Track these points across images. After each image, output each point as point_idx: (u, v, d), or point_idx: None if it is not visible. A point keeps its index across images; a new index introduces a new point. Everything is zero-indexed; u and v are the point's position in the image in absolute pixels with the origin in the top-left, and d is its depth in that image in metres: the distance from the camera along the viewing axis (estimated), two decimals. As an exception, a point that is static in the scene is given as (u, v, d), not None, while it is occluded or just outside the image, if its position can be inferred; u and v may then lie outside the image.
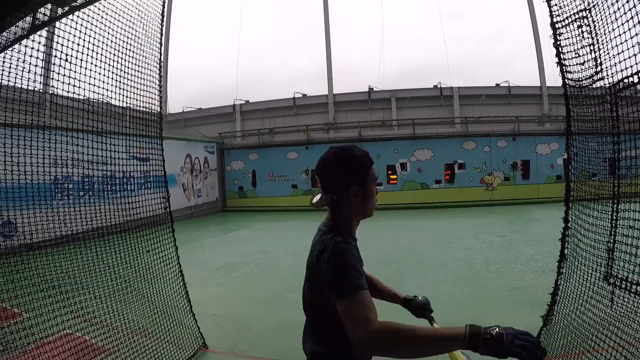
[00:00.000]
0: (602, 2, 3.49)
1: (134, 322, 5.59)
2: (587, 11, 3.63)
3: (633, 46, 3.17)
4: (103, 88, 4.92)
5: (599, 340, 4.01)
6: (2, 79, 4.49)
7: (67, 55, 4.53)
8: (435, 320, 2.44)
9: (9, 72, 4.48)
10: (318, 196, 2.21)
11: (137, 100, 5.34)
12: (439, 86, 25.40)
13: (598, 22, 3.54)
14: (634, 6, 3.11)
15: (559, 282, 4.72)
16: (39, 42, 4.53)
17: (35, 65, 4.51)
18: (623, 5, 3.23)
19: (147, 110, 5.54)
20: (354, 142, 22.11)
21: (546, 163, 22.59)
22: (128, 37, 5.11)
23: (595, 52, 3.62)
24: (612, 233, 3.79)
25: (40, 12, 4.31)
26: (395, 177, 23.50)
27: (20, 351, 4.79)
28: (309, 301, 2.13)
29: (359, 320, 1.64)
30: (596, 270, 4.05)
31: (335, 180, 2.07)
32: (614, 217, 3.81)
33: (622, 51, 3.27)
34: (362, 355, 2.03)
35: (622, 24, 3.24)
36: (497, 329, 1.51)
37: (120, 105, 5.16)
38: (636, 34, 3.13)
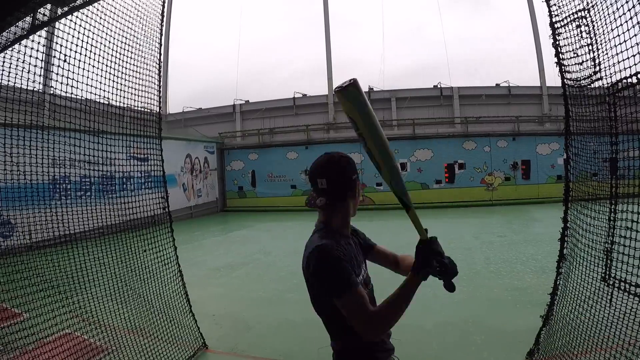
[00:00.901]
0: (600, 2, 3.49)
1: (133, 322, 5.60)
2: (586, 11, 3.63)
3: (632, 47, 3.17)
4: (102, 89, 4.92)
5: (598, 340, 4.02)
6: (1, 79, 4.49)
7: (65, 55, 4.52)
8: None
9: (9, 72, 4.49)
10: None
11: (136, 100, 5.34)
12: (439, 86, 25.36)
13: (597, 22, 3.54)
14: (633, 6, 3.11)
15: (557, 282, 4.72)
16: (39, 42, 4.54)
17: (35, 66, 4.51)
18: (622, 5, 3.24)
19: (147, 110, 5.55)
20: (353, 142, 22.28)
21: (546, 163, 22.53)
22: (127, 38, 5.11)
23: (593, 52, 3.63)
24: (610, 234, 3.79)
25: (40, 12, 4.32)
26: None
27: (21, 351, 4.80)
28: (311, 299, 2.22)
29: (358, 318, 1.93)
30: (594, 271, 4.05)
31: (335, 185, 2.21)
32: (612, 218, 3.81)
33: (621, 51, 3.28)
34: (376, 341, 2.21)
35: (621, 25, 3.25)
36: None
37: (120, 105, 5.16)
38: (635, 35, 3.13)
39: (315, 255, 2.04)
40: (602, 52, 3.53)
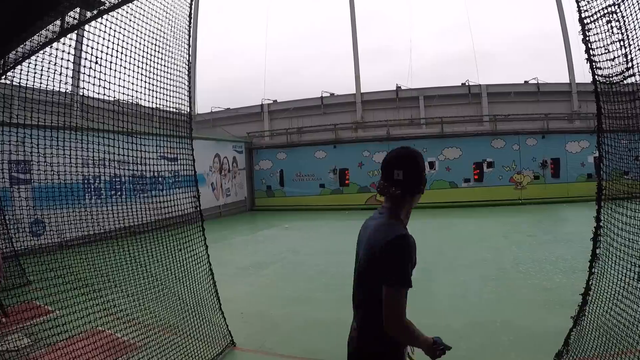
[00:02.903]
0: (631, -3, 3.42)
1: (164, 319, 5.68)
2: (616, 6, 3.56)
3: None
4: (133, 90, 4.99)
5: (635, 342, 3.94)
6: (33, 82, 4.60)
7: (97, 57, 4.60)
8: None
9: (41, 75, 4.59)
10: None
11: (167, 101, 5.41)
12: (467, 84, 25.09)
13: (627, 17, 3.47)
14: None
15: (590, 283, 4.64)
16: (70, 45, 4.62)
17: (67, 68, 4.60)
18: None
19: (177, 111, 5.62)
20: (382, 141, 22.15)
21: (576, 161, 22.04)
22: (156, 39, 5.17)
23: (625, 47, 3.55)
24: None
25: (69, 16, 4.39)
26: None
27: (54, 347, 4.91)
28: (365, 282, 2.39)
29: (396, 313, 2.17)
30: (631, 270, 3.97)
31: (411, 178, 2.36)
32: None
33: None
34: None
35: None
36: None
37: (150, 106, 5.23)
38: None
39: (401, 243, 2.19)
40: (635, 47, 3.46)
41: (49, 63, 4.69)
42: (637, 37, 3.41)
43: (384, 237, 2.23)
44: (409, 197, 2.39)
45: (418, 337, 2.28)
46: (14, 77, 5.17)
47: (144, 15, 4.95)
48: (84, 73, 4.66)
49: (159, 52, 5.25)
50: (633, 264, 3.92)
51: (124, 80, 4.87)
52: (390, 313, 2.16)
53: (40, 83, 4.76)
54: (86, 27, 4.64)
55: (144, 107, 5.25)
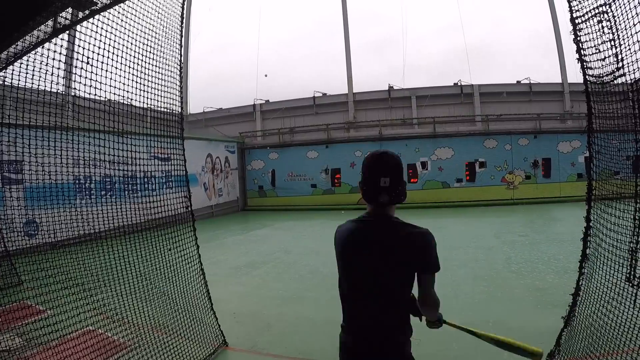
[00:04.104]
0: (622, -3, 3.44)
1: (155, 319, 5.66)
2: (607, 6, 3.58)
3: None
4: (125, 90, 4.98)
5: (622, 342, 3.96)
6: (25, 82, 4.58)
7: (88, 57, 4.59)
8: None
9: (32, 75, 4.57)
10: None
11: (158, 101, 5.40)
12: (459, 84, 25.18)
13: (618, 17, 3.49)
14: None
15: (580, 283, 4.66)
16: (61, 46, 4.61)
17: (58, 68, 4.58)
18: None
19: (168, 110, 5.60)
20: (374, 141, 22.20)
21: (567, 161, 22.19)
22: (148, 39, 5.16)
23: (616, 47, 3.57)
24: (635, 233, 3.73)
25: (61, 16, 4.38)
26: (415, 177, 23.34)
27: (45, 347, 4.89)
28: (388, 280, 2.46)
29: (434, 298, 2.49)
30: (618, 271, 3.99)
31: (397, 185, 2.42)
32: (637, 217, 3.75)
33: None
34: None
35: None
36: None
37: (142, 106, 5.22)
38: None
39: (430, 237, 2.42)
40: (625, 47, 3.48)
41: (41, 63, 4.68)
42: (627, 37, 3.42)
43: (411, 232, 2.42)
44: (395, 204, 2.50)
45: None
46: (5, 77, 5.15)
47: (135, 15, 4.93)
48: (75, 73, 4.64)
49: (150, 52, 5.23)
50: (621, 264, 3.94)
51: (115, 81, 4.86)
52: (431, 296, 2.46)
53: (32, 83, 4.74)
54: (78, 27, 4.63)
55: (136, 107, 5.23)
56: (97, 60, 4.68)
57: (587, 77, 4.12)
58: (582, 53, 4.03)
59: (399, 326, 2.49)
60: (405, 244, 2.39)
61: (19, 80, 4.81)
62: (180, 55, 5.66)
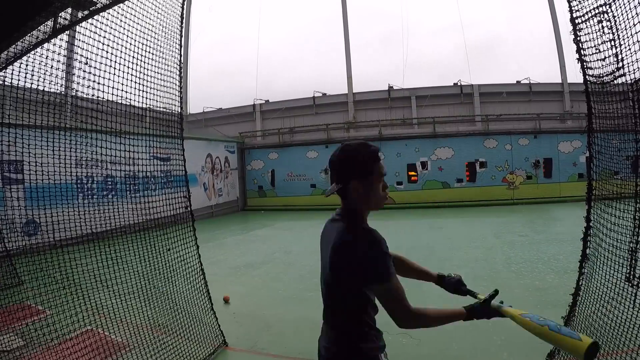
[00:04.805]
0: (622, -3, 3.44)
1: (155, 319, 5.66)
2: (607, 6, 3.58)
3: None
4: (125, 90, 4.98)
5: (622, 342, 3.96)
6: (25, 82, 4.58)
7: (87, 58, 4.59)
8: (477, 292, 2.55)
9: (32, 75, 4.57)
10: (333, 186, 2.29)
11: (157, 101, 5.40)
12: (459, 84, 25.20)
13: (618, 17, 3.49)
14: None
15: (580, 283, 4.66)
16: (60, 46, 4.61)
17: (58, 68, 4.58)
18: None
19: (168, 111, 5.60)
20: (374, 141, 22.19)
21: (568, 161, 22.19)
22: (147, 39, 5.16)
23: (616, 47, 3.57)
24: (635, 233, 3.73)
25: (60, 16, 4.38)
26: (416, 175, 23.34)
27: (44, 347, 4.89)
28: (330, 290, 2.25)
29: (399, 305, 2.05)
30: (618, 271, 3.99)
31: (339, 173, 2.23)
32: (637, 217, 3.75)
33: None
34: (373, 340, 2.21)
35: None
36: (476, 302, 2.34)
37: (141, 106, 5.22)
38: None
39: (375, 239, 2.06)
40: (625, 47, 3.48)
41: (41, 63, 4.68)
42: (627, 37, 3.42)
43: (342, 239, 2.15)
44: (347, 191, 2.23)
45: (447, 314, 2.21)
46: (5, 77, 5.15)
47: (135, 16, 4.93)
48: (75, 74, 4.64)
49: (150, 52, 5.23)
50: (621, 264, 3.94)
51: (115, 81, 4.86)
52: (398, 305, 2.06)
53: (32, 83, 4.74)
54: (78, 27, 4.63)
55: (136, 107, 5.23)
56: (97, 61, 4.68)
57: (587, 77, 4.12)
58: (582, 53, 4.03)
59: (345, 348, 2.18)
60: (336, 252, 2.14)
61: (19, 80, 4.82)
62: (180, 55, 5.66)
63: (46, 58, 4.60)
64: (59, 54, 4.61)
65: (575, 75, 20.29)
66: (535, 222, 15.89)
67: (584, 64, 4.08)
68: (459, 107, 24.94)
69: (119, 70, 4.88)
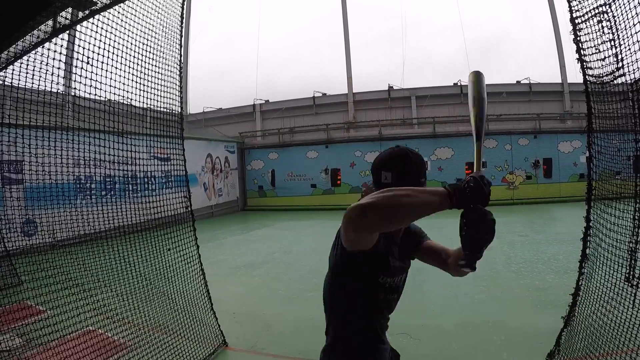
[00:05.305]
0: (622, -3, 3.44)
1: (155, 319, 5.66)
2: (607, 6, 3.58)
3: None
4: (125, 90, 4.98)
5: (622, 342, 3.96)
6: (25, 82, 4.58)
7: (88, 57, 4.59)
8: None
9: (32, 75, 4.57)
10: None
11: (158, 101, 5.40)
12: (459, 84, 25.18)
13: (618, 17, 3.49)
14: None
15: (580, 283, 4.66)
16: (61, 46, 4.61)
17: (58, 68, 4.59)
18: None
19: (168, 111, 5.61)
20: (374, 141, 22.20)
21: (569, 161, 22.19)
22: (148, 39, 5.16)
23: (616, 47, 3.57)
24: (635, 233, 3.73)
25: (61, 16, 4.38)
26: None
27: (45, 347, 4.89)
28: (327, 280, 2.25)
29: (353, 206, 1.57)
30: (618, 271, 3.99)
31: (400, 182, 2.05)
32: (637, 217, 3.75)
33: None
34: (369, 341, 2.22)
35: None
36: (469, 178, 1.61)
37: (142, 106, 5.22)
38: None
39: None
40: (625, 47, 3.48)
41: (41, 63, 4.68)
42: (627, 37, 3.42)
43: None
44: None
45: (419, 191, 1.67)
46: (5, 77, 5.15)
47: (135, 15, 4.94)
48: (75, 73, 4.64)
49: (150, 51, 5.24)
50: (621, 264, 3.94)
51: (115, 81, 4.86)
52: (350, 208, 1.59)
53: (32, 83, 4.74)
54: (78, 27, 4.63)
55: (136, 107, 5.24)
56: (97, 60, 4.68)
57: (587, 77, 4.12)
58: (582, 53, 4.03)
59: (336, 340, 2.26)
60: None
61: (19, 80, 4.82)
62: (180, 55, 5.66)
63: (47, 58, 4.60)
64: (60, 53, 4.61)
65: (575, 75, 20.29)
66: (535, 222, 15.90)
67: (584, 64, 4.08)
68: (459, 107, 24.90)
69: (119, 70, 4.89)
